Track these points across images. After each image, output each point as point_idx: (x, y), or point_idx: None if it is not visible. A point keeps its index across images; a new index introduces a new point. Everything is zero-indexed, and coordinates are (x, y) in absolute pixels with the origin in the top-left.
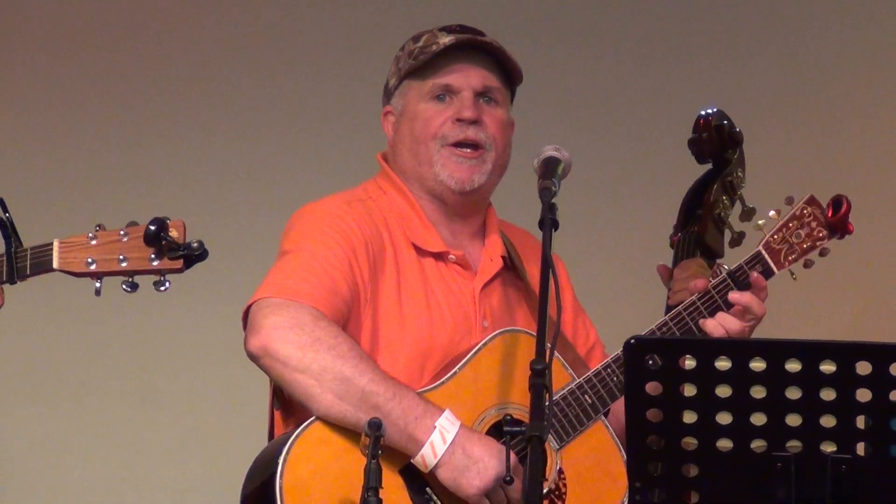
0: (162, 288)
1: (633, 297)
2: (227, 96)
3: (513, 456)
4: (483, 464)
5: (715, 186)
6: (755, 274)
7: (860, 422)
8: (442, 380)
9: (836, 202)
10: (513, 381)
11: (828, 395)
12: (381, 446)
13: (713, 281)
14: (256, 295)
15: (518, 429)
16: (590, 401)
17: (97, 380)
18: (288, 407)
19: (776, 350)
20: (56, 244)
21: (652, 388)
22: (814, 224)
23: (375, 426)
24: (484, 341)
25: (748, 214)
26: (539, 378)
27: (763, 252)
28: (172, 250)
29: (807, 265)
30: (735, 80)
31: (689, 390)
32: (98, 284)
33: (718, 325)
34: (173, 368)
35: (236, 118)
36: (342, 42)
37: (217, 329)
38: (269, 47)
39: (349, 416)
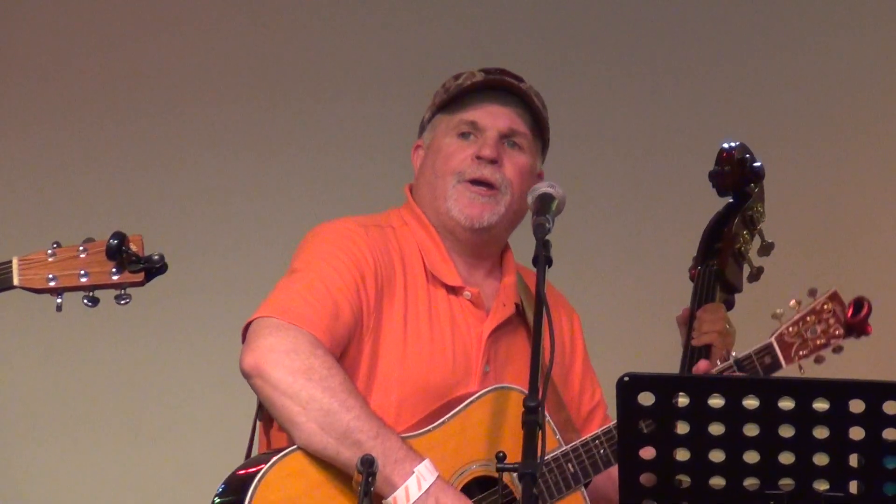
0: (122, 301)
1: (651, 332)
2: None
3: None
4: None
5: (736, 221)
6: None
7: (853, 460)
8: (429, 427)
9: (857, 304)
10: (499, 438)
11: (821, 433)
12: (356, 482)
13: (719, 367)
14: (258, 312)
15: (511, 465)
16: (572, 470)
17: (87, 414)
18: (270, 419)
19: (769, 388)
20: (16, 261)
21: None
22: (832, 321)
23: (368, 463)
24: (477, 395)
25: (767, 249)
26: (532, 415)
27: (774, 344)
28: (133, 263)
29: (818, 360)
30: (756, 113)
31: (683, 428)
32: (59, 300)
33: None
34: (163, 402)
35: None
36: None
37: (207, 360)
38: (266, 79)
39: (329, 448)
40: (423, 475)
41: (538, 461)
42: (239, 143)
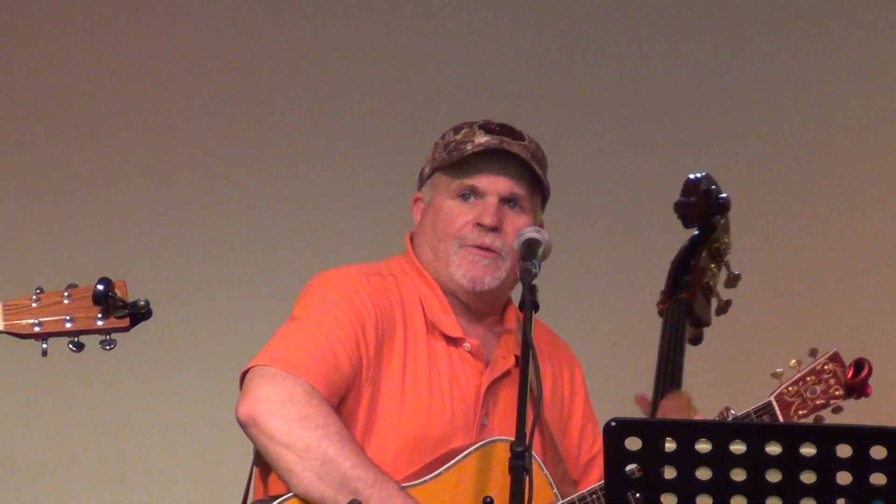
0: (108, 347)
1: (620, 368)
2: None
3: None
4: None
5: (703, 254)
6: None
7: None
8: (426, 477)
9: (858, 365)
10: (491, 489)
11: (808, 477)
12: None
13: None
14: (255, 360)
15: None
16: None
17: (72, 460)
18: (267, 466)
19: (756, 433)
20: (0, 306)
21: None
22: (832, 381)
23: None
24: (475, 447)
25: (733, 281)
26: (518, 460)
27: (774, 403)
28: (119, 308)
29: (817, 421)
30: (723, 147)
31: (670, 473)
32: (45, 346)
33: None
34: (150, 449)
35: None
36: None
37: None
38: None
39: (327, 497)
40: None
41: None
42: (230, 186)
